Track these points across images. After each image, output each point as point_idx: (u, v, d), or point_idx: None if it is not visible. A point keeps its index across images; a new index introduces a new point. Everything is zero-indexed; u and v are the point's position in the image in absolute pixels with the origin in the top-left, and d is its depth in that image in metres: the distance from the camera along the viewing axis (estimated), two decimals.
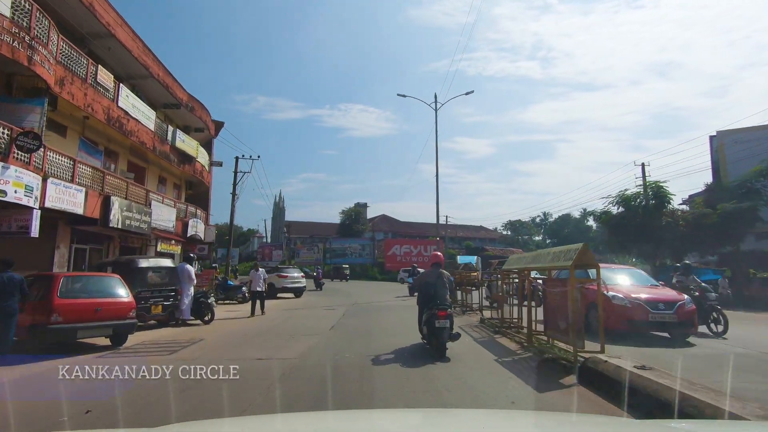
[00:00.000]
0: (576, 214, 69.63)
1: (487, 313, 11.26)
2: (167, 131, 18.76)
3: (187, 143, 20.36)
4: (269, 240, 75.57)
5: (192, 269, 10.49)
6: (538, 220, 78.12)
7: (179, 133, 19.63)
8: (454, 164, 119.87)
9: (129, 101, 15.44)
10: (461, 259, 23.44)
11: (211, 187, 30.57)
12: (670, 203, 20.87)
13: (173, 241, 18.72)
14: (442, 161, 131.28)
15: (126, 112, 15.27)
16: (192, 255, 11.44)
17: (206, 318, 10.42)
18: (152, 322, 10.10)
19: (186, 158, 20.67)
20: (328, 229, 62.28)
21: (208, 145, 27.18)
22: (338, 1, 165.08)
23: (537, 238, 78.66)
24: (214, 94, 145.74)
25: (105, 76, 14.08)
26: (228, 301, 17.17)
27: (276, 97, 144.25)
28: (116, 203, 14.19)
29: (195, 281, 10.45)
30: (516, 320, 8.91)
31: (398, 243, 51.79)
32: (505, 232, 76.36)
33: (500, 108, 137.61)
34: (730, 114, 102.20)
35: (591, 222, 24.36)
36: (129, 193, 15.66)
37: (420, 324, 7.23)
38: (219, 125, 28.88)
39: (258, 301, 12.77)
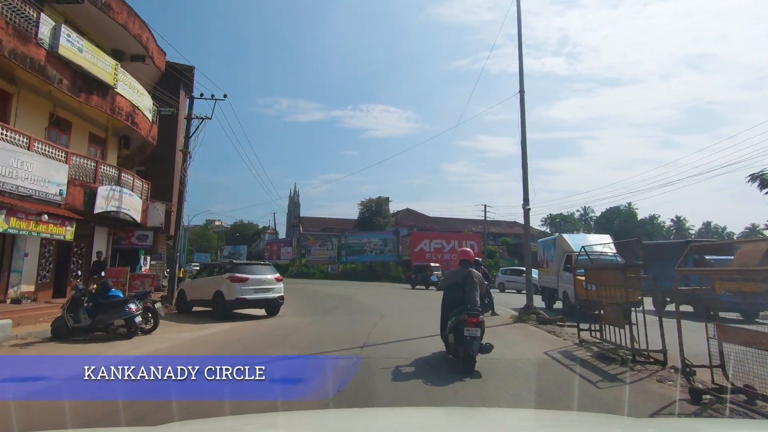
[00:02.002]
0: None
1: None
2: (36, 21, 10.61)
3: (89, 56, 12.18)
4: (284, 236, 68.40)
5: None
6: (577, 215, 71.72)
7: (67, 32, 11.41)
8: (474, 163, 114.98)
9: None
10: (571, 240, 12.55)
11: (180, 156, 22.60)
12: None
13: (47, 216, 10.54)
14: (461, 160, 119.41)
15: None
16: None
17: None
18: None
19: (92, 84, 12.50)
20: (345, 225, 53.96)
21: (174, 91, 19.07)
22: (359, 1, 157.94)
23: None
24: (236, 97, 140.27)
25: None
26: (99, 333, 8.32)
27: (298, 98, 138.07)
28: None
29: None
30: None
31: (427, 237, 42.89)
32: (543, 228, 68.00)
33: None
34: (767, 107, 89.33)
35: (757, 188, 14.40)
36: None
37: (443, 331, 6.29)
38: (185, 69, 20.73)
39: None
